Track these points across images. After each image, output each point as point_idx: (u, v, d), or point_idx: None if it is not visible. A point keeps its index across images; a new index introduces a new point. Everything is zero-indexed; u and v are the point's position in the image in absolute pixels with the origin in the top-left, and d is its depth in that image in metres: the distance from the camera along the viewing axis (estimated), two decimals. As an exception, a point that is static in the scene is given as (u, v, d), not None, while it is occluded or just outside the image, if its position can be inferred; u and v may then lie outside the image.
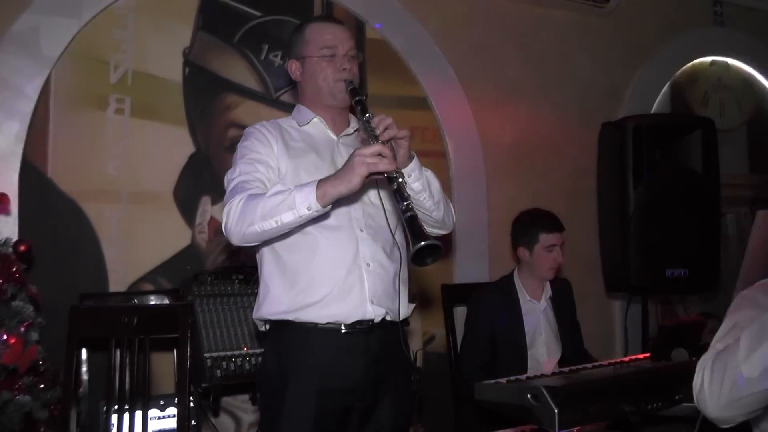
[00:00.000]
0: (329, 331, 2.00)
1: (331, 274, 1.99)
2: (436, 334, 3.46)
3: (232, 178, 2.00)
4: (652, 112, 4.25)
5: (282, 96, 3.29)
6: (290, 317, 1.99)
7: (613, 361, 2.56)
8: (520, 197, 3.49)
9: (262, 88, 3.26)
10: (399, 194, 1.84)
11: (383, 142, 1.90)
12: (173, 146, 3.08)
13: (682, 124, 3.56)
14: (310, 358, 1.99)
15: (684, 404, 2.27)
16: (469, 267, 3.46)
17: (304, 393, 1.97)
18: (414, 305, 2.28)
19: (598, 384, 2.15)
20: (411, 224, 1.79)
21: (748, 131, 4.95)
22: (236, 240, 1.91)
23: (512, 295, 2.99)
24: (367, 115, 1.98)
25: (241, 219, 1.85)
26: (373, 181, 1.97)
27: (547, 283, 3.05)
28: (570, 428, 2.25)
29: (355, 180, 1.80)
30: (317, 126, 2.15)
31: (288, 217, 1.80)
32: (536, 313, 3.00)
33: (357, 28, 3.43)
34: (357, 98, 2.03)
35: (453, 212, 2.24)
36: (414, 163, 2.01)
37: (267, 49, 3.28)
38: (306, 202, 1.78)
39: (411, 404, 2.49)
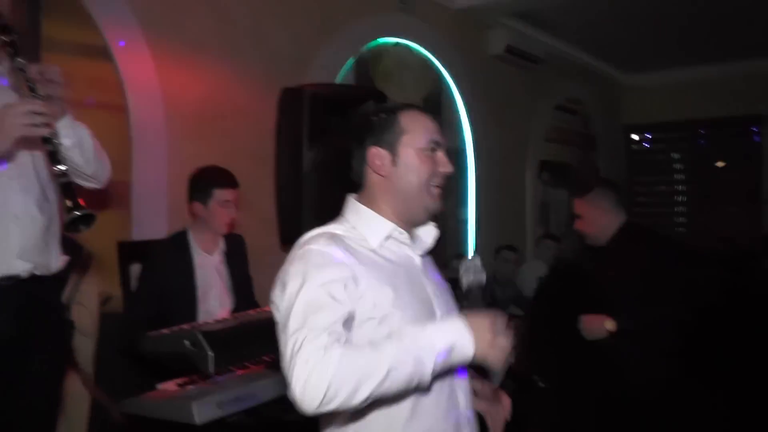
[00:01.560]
0: None
1: None
2: (113, 294, 3.37)
3: None
4: (343, 83, 4.57)
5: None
6: None
7: (274, 307, 2.76)
8: (202, 156, 3.51)
9: None
10: (53, 157, 1.83)
11: (40, 96, 1.85)
12: None
13: (357, 95, 3.88)
14: None
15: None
16: (148, 224, 3.44)
17: None
18: (68, 258, 2.24)
19: (254, 327, 2.33)
20: (66, 191, 1.80)
21: (425, 107, 5.53)
22: None
23: (185, 249, 3.04)
24: (19, 60, 1.89)
25: None
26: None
27: (221, 238, 3.14)
28: (227, 369, 2.40)
29: (6, 144, 1.77)
30: None
31: None
32: (209, 267, 3.08)
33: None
34: (7, 38, 1.92)
35: (108, 166, 2.23)
36: (66, 119, 1.98)
37: None
38: None
39: (66, 360, 2.44)
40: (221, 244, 3.16)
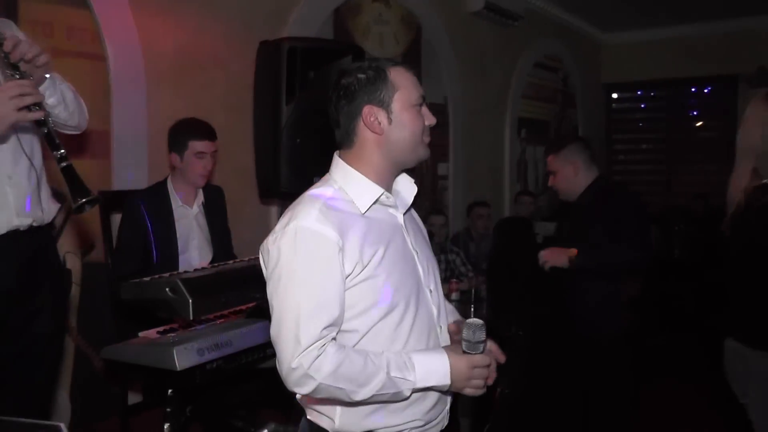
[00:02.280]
0: None
1: None
2: (95, 243, 3.42)
3: None
4: (321, 37, 4.56)
5: None
6: None
7: (252, 257, 2.82)
8: (180, 107, 3.53)
9: None
10: (51, 141, 1.89)
11: (21, 72, 1.88)
12: None
13: (335, 49, 3.87)
14: None
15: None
16: (128, 174, 3.46)
17: None
18: (59, 206, 2.31)
19: (231, 275, 2.39)
20: (68, 175, 1.86)
21: (403, 62, 5.55)
22: None
23: (165, 201, 3.08)
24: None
25: None
26: None
27: (200, 189, 3.18)
28: (206, 316, 2.47)
29: (1, 130, 1.87)
30: None
31: None
32: (189, 218, 3.13)
33: None
34: None
35: (85, 112, 2.28)
36: (48, 81, 2.03)
37: None
38: None
39: (67, 308, 2.52)
40: (200, 196, 3.20)
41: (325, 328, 1.48)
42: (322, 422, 1.62)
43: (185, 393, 2.65)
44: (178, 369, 2.19)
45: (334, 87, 1.67)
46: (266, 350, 2.59)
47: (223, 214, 3.32)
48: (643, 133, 9.39)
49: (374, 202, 1.63)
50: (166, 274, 2.39)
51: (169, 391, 2.62)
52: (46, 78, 2.01)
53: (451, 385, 1.57)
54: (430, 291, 1.69)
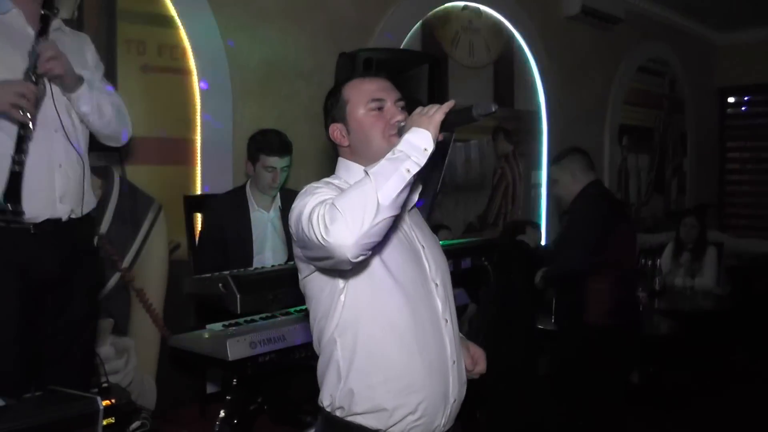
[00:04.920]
0: (20, 231, 2.18)
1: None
2: (181, 242, 3.68)
3: None
4: (402, 48, 4.66)
5: None
6: None
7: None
8: (265, 117, 3.77)
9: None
10: (19, 143, 2.11)
11: (37, 76, 2.09)
12: None
13: (411, 59, 3.95)
14: (3, 259, 2.17)
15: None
16: (214, 179, 3.71)
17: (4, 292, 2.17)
18: (96, 200, 2.50)
19: (286, 275, 2.52)
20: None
21: (495, 70, 5.59)
22: None
23: (242, 204, 3.28)
24: (42, 38, 2.13)
25: None
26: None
27: (278, 194, 3.36)
28: (254, 313, 2.62)
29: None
30: (15, 18, 2.20)
31: None
32: (264, 221, 3.32)
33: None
34: (43, 12, 2.16)
35: (128, 125, 2.47)
36: (83, 88, 2.22)
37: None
38: None
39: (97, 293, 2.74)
40: (278, 201, 3.38)
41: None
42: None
43: (251, 385, 2.83)
44: (230, 359, 2.36)
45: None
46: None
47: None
48: (763, 140, 8.72)
49: None
50: (226, 272, 2.57)
51: (234, 380, 2.80)
52: (80, 86, 2.21)
53: (422, 129, 1.51)
54: (436, 285, 1.75)
